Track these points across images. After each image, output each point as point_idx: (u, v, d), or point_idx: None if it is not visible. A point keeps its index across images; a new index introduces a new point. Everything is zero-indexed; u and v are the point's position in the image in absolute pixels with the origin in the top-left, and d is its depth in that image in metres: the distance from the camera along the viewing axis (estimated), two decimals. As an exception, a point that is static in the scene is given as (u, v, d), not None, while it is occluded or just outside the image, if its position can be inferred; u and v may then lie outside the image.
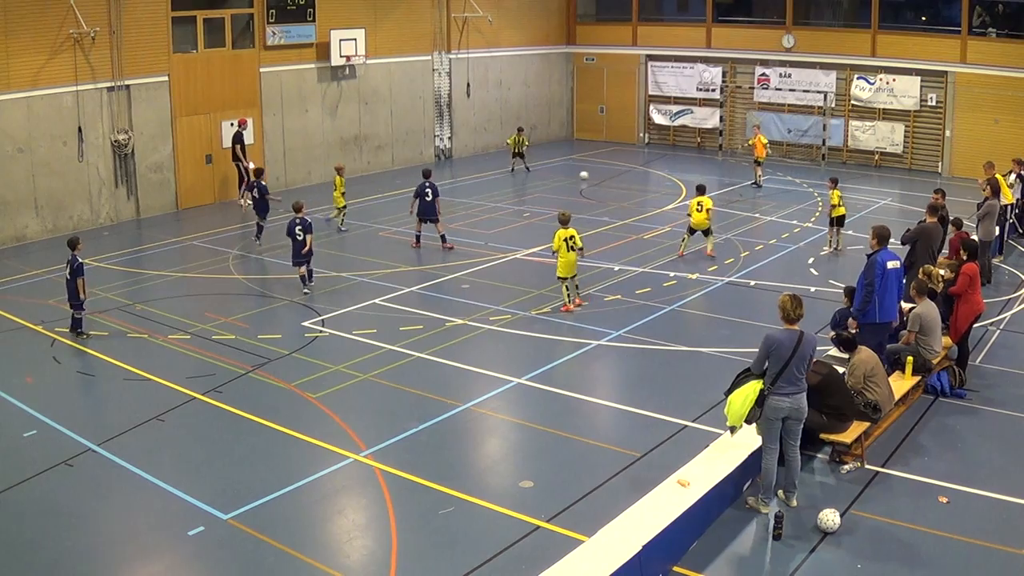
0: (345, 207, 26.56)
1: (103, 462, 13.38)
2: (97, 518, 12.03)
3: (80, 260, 18.41)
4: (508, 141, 35.89)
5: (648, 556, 9.99)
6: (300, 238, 20.73)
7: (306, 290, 20.76)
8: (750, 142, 34.01)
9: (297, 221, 20.87)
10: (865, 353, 13.63)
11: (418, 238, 24.76)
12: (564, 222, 19.52)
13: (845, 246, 24.03)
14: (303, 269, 20.92)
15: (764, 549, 11.13)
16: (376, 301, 20.28)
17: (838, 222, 24.00)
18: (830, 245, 24.13)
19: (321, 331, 18.57)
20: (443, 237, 24.37)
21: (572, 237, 19.32)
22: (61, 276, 21.81)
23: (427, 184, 24.12)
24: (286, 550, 11.12)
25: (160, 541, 11.51)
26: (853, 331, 14.84)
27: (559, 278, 19.69)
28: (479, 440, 14.65)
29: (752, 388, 11.43)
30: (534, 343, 18.01)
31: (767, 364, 11.41)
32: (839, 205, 23.84)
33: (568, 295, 19.63)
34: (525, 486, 12.63)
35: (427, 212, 24.23)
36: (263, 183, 25.32)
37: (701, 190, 23.49)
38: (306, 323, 19.00)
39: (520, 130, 36.38)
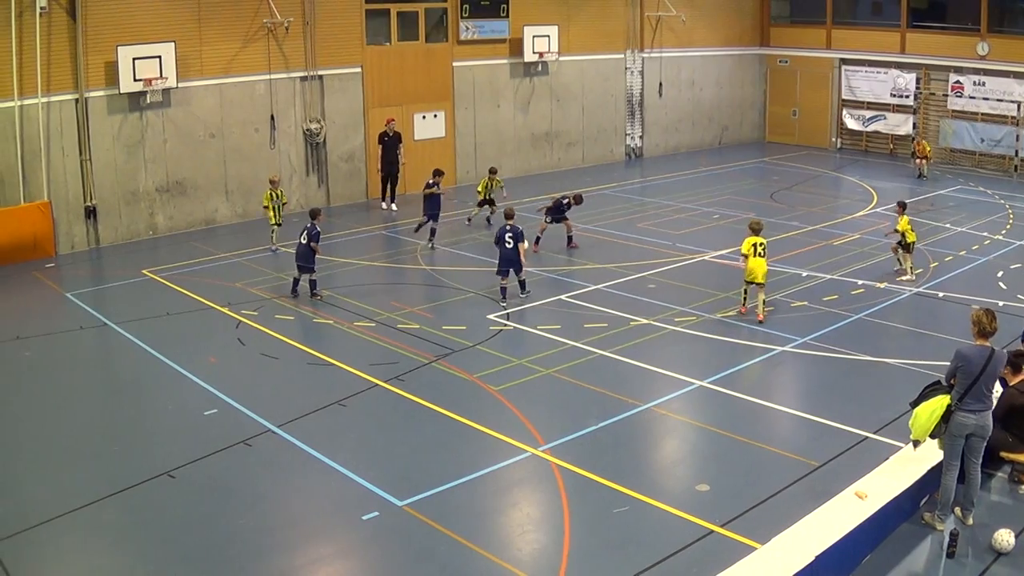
0: (279, 224, 24.15)
1: (281, 443, 13.48)
2: (272, 497, 12.10)
3: (319, 229, 19.96)
4: (478, 188, 26.86)
5: (821, 566, 9.74)
6: (510, 246, 19.54)
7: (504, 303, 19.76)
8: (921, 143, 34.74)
9: (507, 228, 19.66)
10: None
11: (419, 226, 25.12)
12: (756, 230, 18.89)
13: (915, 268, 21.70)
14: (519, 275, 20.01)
15: (937, 566, 10.75)
16: (561, 297, 20.04)
17: (906, 248, 21.52)
18: (909, 272, 21.51)
19: (506, 324, 18.41)
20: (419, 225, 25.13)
21: (762, 244, 18.66)
22: (250, 259, 22.46)
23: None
24: (459, 539, 11.02)
25: (334, 523, 11.56)
26: None
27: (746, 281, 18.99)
28: (657, 440, 14.35)
29: (939, 403, 11.07)
30: (718, 346, 17.48)
31: (955, 379, 10.97)
32: (911, 231, 21.46)
33: (745, 298, 19.07)
34: (701, 489, 12.36)
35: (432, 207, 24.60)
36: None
37: None
38: (491, 316, 18.87)
39: (492, 172, 26.80)
